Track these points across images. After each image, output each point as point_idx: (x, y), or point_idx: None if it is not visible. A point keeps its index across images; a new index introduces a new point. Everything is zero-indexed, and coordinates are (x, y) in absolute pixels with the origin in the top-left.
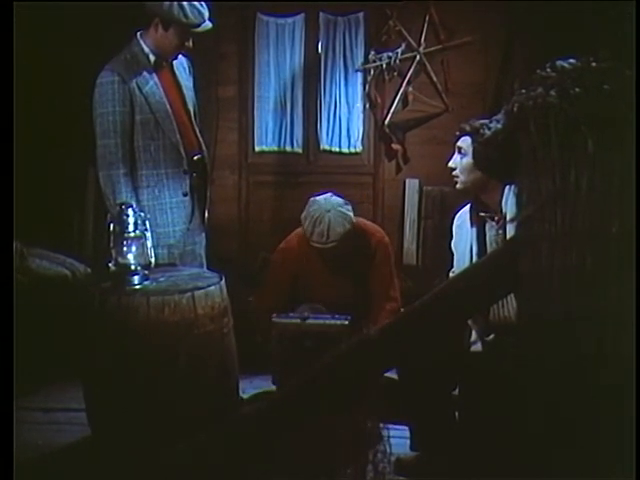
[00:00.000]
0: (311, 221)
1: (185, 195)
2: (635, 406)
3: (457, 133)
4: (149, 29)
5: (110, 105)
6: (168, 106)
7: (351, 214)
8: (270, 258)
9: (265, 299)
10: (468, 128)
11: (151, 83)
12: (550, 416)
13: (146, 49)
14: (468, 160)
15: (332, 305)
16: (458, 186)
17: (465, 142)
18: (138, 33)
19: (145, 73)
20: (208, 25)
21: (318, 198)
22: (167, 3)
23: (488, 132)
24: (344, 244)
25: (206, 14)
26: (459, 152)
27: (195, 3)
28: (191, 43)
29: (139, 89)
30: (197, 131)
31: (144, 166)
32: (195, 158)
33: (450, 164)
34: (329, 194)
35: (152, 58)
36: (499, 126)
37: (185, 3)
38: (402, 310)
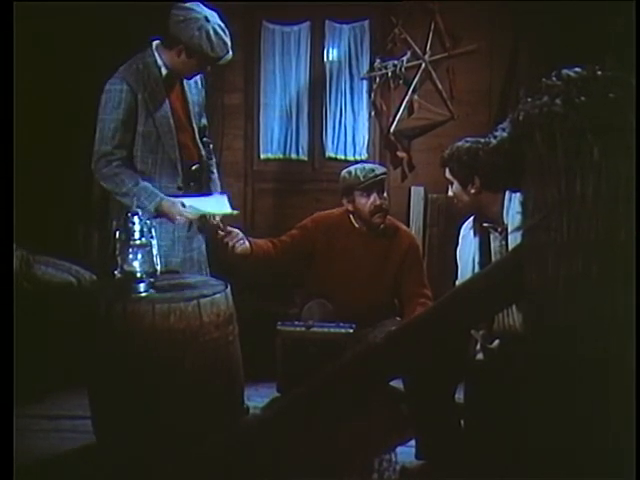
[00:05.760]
0: (353, 170)
1: None
2: (636, 411)
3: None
4: (170, 50)
5: (115, 113)
6: (172, 122)
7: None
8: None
9: (278, 245)
10: (441, 161)
11: (159, 97)
12: (555, 423)
13: (159, 62)
14: (456, 187)
15: (347, 296)
16: (460, 209)
17: (447, 173)
18: (154, 43)
19: (155, 86)
20: (229, 56)
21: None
22: (196, 34)
23: (494, 141)
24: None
25: (230, 45)
26: (449, 182)
27: (222, 35)
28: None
29: (146, 102)
30: (199, 144)
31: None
32: (193, 168)
33: (449, 194)
34: None
35: (164, 72)
36: (504, 134)
37: (212, 35)
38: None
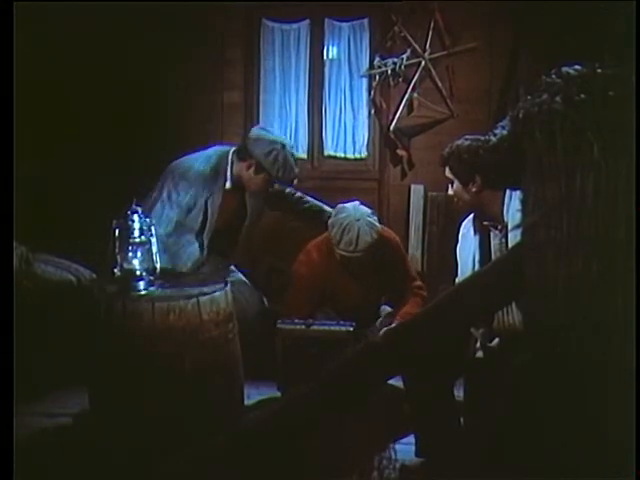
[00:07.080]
0: (340, 228)
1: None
2: (636, 411)
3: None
4: (243, 162)
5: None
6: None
7: (378, 224)
8: (292, 271)
9: (297, 310)
10: (441, 160)
11: (212, 207)
12: (554, 421)
13: (229, 173)
14: (457, 185)
15: (354, 309)
16: (460, 207)
17: (447, 171)
18: (231, 151)
19: (217, 193)
20: (296, 182)
21: (347, 206)
22: (272, 153)
23: (494, 139)
24: (368, 254)
25: (297, 172)
26: (450, 180)
27: (292, 162)
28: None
29: (205, 205)
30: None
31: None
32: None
33: (449, 192)
34: (356, 202)
35: (229, 185)
36: (504, 132)
37: (282, 160)
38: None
